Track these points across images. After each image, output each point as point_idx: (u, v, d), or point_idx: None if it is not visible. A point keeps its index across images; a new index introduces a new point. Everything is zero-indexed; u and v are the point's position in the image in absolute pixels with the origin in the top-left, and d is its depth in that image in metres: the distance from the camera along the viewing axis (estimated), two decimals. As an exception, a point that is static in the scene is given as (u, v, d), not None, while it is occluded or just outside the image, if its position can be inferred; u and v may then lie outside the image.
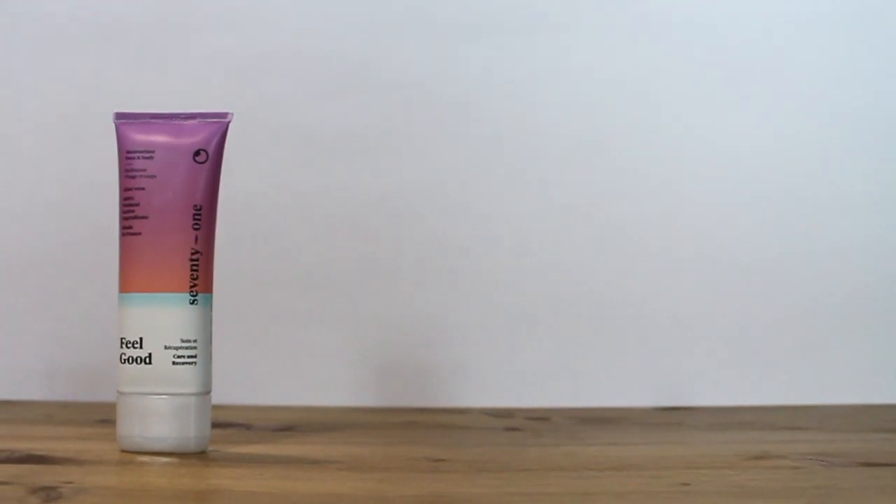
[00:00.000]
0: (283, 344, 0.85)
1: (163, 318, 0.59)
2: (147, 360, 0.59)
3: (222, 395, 0.61)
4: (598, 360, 0.86)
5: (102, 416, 0.74)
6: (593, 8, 0.88)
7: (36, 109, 0.86)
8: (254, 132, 0.82)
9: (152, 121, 0.61)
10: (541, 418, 0.77)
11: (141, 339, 0.59)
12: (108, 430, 0.67)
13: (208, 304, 0.60)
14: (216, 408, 0.61)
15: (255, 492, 0.49)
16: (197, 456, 0.58)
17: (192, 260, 0.59)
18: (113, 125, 0.61)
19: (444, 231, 0.87)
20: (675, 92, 0.88)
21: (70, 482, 0.50)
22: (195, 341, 0.59)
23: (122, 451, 0.59)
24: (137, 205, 0.60)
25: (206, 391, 0.60)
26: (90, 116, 0.85)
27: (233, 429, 0.69)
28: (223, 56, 0.86)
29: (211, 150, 0.60)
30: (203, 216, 0.60)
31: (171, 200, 0.60)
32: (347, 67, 0.87)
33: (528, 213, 0.87)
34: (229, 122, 0.61)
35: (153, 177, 0.60)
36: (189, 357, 0.59)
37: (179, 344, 0.59)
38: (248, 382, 0.83)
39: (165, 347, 0.59)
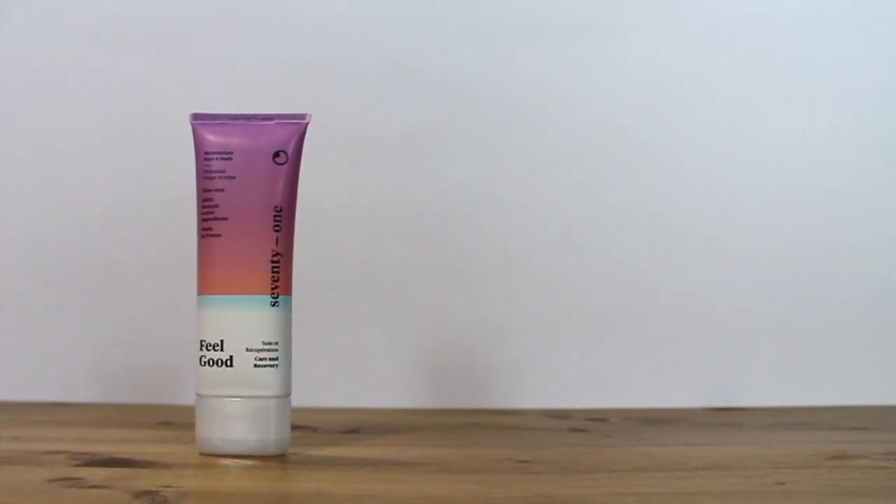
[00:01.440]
0: (339, 346, 0.85)
1: (244, 321, 0.59)
2: (228, 362, 0.58)
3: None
4: (649, 360, 0.86)
5: (163, 419, 0.74)
6: (646, 9, 0.88)
7: (97, 111, 0.86)
8: (308, 135, 0.82)
9: (230, 122, 0.60)
10: (599, 419, 0.77)
11: (222, 341, 0.58)
12: (176, 433, 0.67)
13: (288, 306, 0.60)
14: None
15: (360, 494, 0.49)
16: (278, 459, 0.58)
17: (273, 262, 0.59)
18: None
19: (499, 233, 0.86)
20: (729, 92, 0.88)
21: (169, 486, 0.50)
22: (276, 343, 0.59)
23: (202, 453, 0.59)
24: (217, 206, 0.59)
25: (287, 393, 0.59)
26: (145, 119, 0.85)
27: (299, 431, 0.69)
28: (277, 59, 0.86)
29: (290, 151, 0.60)
30: (283, 218, 0.60)
31: (251, 202, 0.59)
32: (401, 70, 0.86)
33: (582, 215, 0.87)
34: (307, 123, 0.61)
35: (233, 178, 0.59)
36: (271, 360, 0.59)
37: (261, 346, 0.58)
38: (304, 385, 0.82)
39: (247, 350, 0.58)
